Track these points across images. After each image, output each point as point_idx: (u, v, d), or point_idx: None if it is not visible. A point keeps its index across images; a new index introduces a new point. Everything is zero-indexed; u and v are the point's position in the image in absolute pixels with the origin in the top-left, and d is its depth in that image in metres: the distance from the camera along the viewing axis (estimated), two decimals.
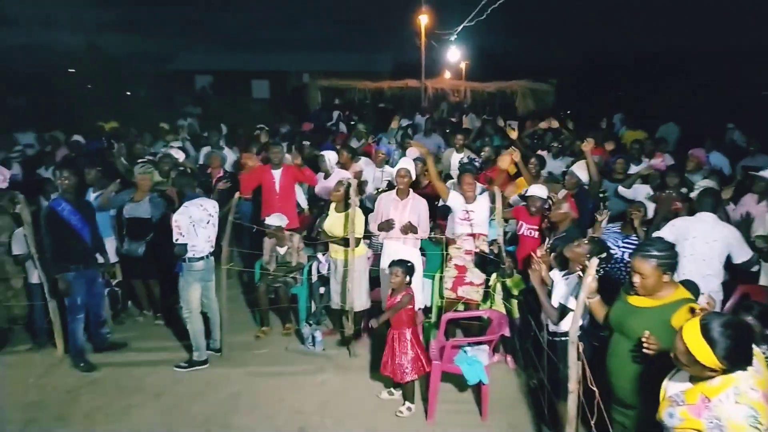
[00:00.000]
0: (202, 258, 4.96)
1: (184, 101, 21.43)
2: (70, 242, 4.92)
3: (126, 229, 5.89)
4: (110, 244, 5.83)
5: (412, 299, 4.33)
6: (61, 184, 4.97)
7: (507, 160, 5.91)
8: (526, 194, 5.46)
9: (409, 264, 4.36)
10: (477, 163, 7.12)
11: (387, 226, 5.22)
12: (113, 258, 5.92)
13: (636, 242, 4.83)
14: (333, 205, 5.54)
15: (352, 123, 12.84)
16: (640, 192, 6.17)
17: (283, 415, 4.40)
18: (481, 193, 5.37)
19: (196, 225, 4.86)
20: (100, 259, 5.42)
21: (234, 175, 7.90)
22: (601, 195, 6.03)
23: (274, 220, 5.85)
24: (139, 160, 6.51)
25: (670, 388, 2.38)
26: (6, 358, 5.32)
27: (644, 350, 2.66)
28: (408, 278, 4.34)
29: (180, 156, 7.77)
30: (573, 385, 3.24)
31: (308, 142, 8.82)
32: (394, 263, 4.35)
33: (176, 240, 4.79)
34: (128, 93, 24.35)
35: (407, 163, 5.44)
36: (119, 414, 4.41)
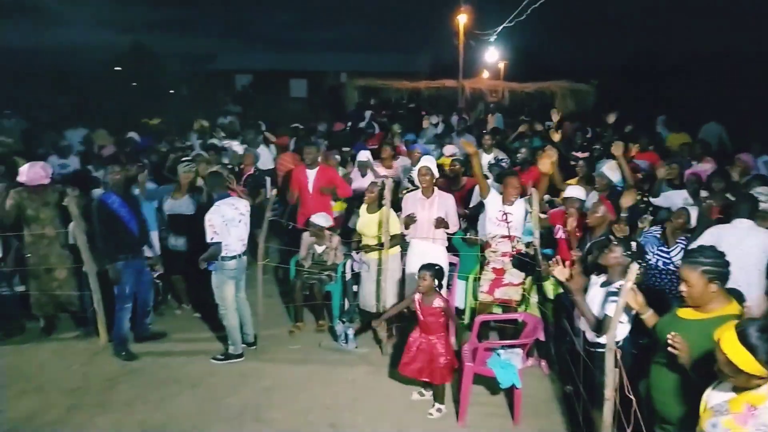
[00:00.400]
0: (234, 257, 4.99)
1: (225, 100, 21.86)
2: (120, 233, 5.09)
3: (168, 225, 6.06)
4: (155, 237, 5.98)
5: (448, 305, 4.31)
6: (111, 178, 5.15)
7: (548, 164, 5.78)
8: (564, 196, 5.36)
9: (437, 267, 4.33)
10: (504, 164, 7.06)
11: (410, 220, 5.22)
12: (158, 251, 6.08)
13: (667, 251, 4.69)
14: (364, 206, 5.56)
15: (384, 121, 12.80)
16: (674, 199, 5.79)
17: (314, 410, 4.44)
18: (521, 197, 5.30)
19: (229, 224, 4.90)
20: (148, 252, 5.62)
21: (265, 173, 8.03)
22: (644, 200, 5.85)
23: (319, 219, 5.88)
24: (183, 159, 6.66)
25: (712, 398, 2.32)
26: (52, 345, 5.54)
27: (669, 349, 2.59)
28: (437, 282, 4.32)
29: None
30: (609, 393, 3.17)
31: (348, 148, 8.68)
32: (423, 267, 4.31)
33: (211, 239, 4.82)
34: (171, 91, 25.03)
35: (428, 161, 5.43)
36: (157, 403, 4.54)
